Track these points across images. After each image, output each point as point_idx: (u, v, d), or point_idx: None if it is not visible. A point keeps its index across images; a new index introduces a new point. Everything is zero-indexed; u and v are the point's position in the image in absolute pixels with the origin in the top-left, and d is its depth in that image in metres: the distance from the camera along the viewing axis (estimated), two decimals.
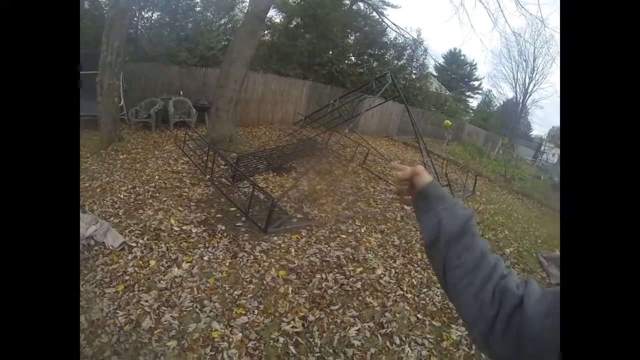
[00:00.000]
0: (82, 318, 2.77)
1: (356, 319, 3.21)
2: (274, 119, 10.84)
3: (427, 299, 3.75)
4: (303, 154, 7.70)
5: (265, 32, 13.30)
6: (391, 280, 3.89)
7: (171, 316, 2.86)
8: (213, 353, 2.62)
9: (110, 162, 5.75)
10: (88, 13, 9.01)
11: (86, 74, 6.91)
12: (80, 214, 4.19)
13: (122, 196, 4.61)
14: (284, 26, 14.23)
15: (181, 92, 8.75)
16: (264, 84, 10.18)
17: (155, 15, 10.91)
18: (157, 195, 4.72)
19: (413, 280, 4.00)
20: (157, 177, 5.26)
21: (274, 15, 15.31)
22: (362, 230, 4.85)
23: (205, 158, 5.86)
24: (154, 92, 8.53)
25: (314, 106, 11.10)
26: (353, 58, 16.40)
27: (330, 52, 13.87)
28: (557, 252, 5.53)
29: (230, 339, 2.74)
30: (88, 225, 3.77)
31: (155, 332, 2.72)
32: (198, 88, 9.20)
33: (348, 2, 16.97)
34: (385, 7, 18.75)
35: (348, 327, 3.10)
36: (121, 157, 6.02)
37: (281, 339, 2.82)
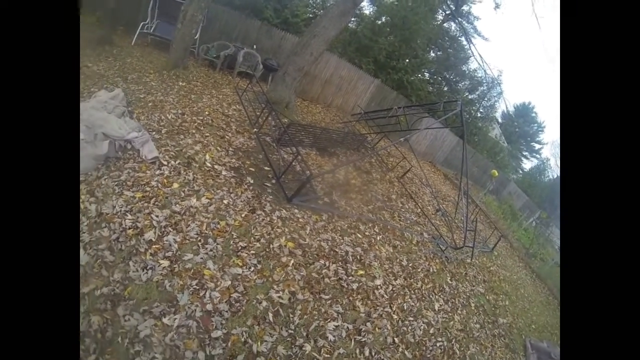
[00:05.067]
0: (92, 207, 2.90)
1: (339, 316, 3.16)
2: (333, 102, 10.79)
3: (410, 328, 3.65)
4: (349, 145, 7.61)
5: (353, 19, 13.16)
6: (385, 295, 3.80)
7: (174, 239, 2.93)
8: (197, 288, 2.66)
9: (169, 84, 5.93)
10: None
11: (176, 2, 7.27)
12: (127, 118, 4.35)
13: (169, 117, 4.74)
14: (371, 20, 14.03)
15: (254, 46, 8.86)
16: (335, 67, 10.12)
17: None
18: (202, 129, 4.82)
19: (405, 304, 3.90)
20: (207, 112, 5.37)
21: (365, 7, 15.15)
22: (378, 238, 4.76)
23: (259, 113, 5.92)
24: (230, 37, 8.71)
25: (374, 105, 10.95)
26: (427, 74, 15.98)
27: (408, 60, 13.56)
28: (545, 344, 5.34)
29: (218, 283, 2.78)
30: (130, 130, 3.91)
31: (154, 246, 2.80)
32: (272, 48, 9.28)
33: (441, 17, 16.46)
34: (475, 35, 18.04)
35: (329, 320, 3.06)
36: (180, 83, 6.19)
37: (264, 303, 2.82)
